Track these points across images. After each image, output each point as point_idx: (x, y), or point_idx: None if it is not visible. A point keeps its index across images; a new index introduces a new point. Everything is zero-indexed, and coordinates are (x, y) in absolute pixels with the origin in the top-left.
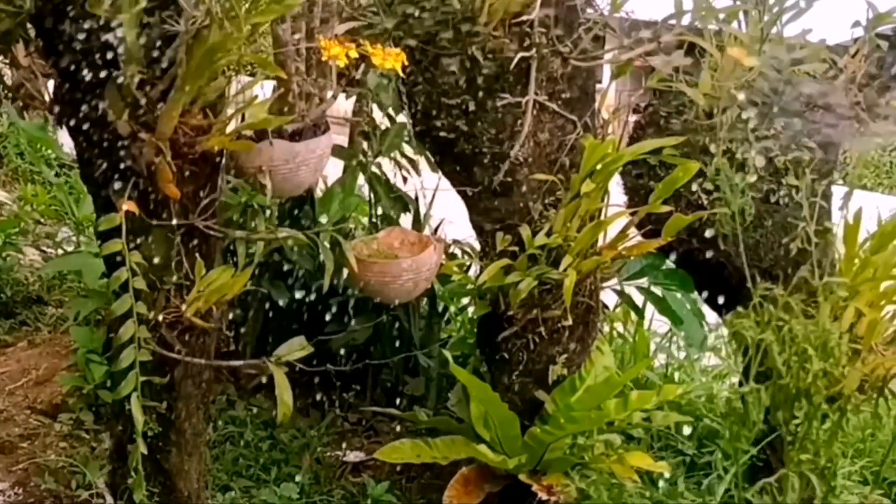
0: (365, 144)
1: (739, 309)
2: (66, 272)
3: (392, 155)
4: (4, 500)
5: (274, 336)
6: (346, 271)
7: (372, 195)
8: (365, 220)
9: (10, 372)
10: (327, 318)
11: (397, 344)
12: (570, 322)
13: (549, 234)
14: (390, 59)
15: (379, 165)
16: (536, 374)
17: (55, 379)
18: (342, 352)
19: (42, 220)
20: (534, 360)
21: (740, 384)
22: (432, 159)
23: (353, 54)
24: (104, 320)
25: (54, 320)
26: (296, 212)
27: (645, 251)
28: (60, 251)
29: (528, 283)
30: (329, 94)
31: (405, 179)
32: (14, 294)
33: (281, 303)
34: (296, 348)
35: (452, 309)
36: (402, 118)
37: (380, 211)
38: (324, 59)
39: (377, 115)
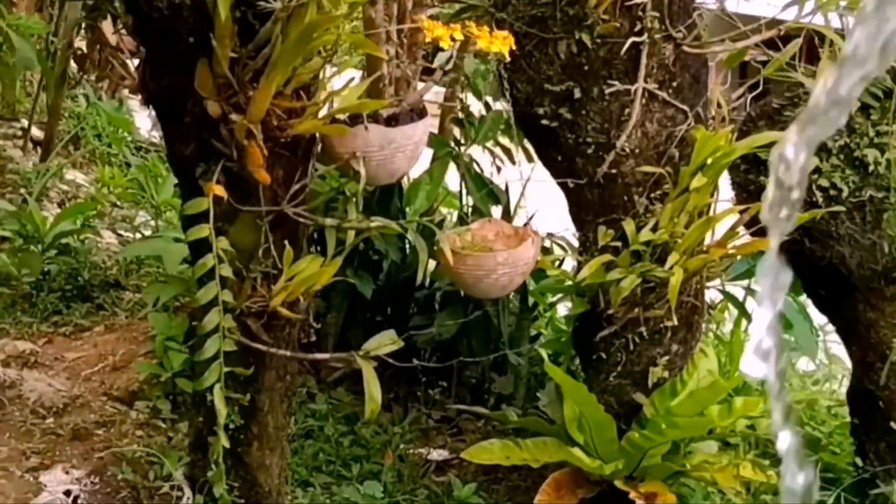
0: (457, 132)
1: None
2: (145, 256)
3: (486, 144)
4: (81, 488)
5: (357, 328)
6: (432, 263)
7: (462, 185)
8: (446, 210)
9: (87, 357)
10: (413, 311)
11: (485, 340)
12: (673, 322)
13: (654, 230)
14: (497, 42)
15: (470, 155)
16: (635, 375)
17: (132, 365)
18: (427, 346)
19: (118, 203)
20: (633, 361)
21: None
22: (530, 149)
23: (458, 36)
24: (183, 307)
25: (132, 305)
26: (380, 201)
27: (755, 250)
28: (138, 235)
29: (632, 280)
30: (416, 80)
31: (499, 169)
32: (92, 277)
33: (366, 294)
34: (385, 342)
35: (541, 305)
36: (498, 105)
37: (470, 202)
38: (427, 40)
39: (471, 101)
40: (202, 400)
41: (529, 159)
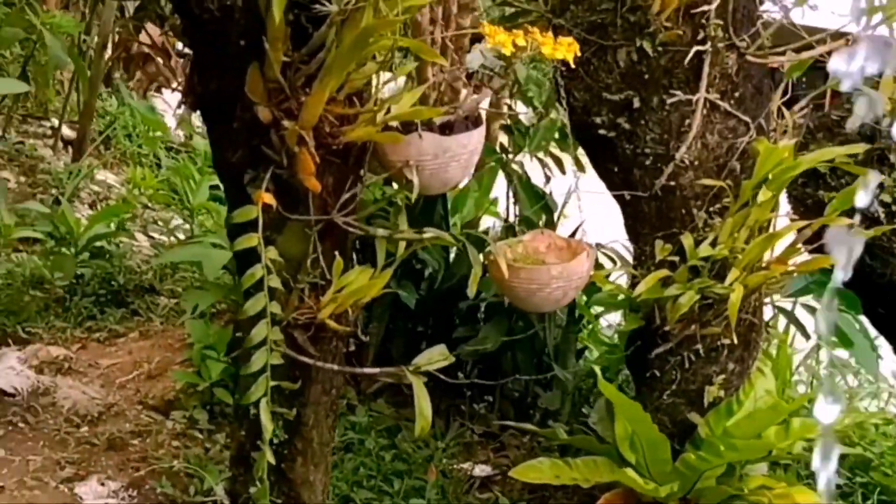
0: (505, 139)
1: None
2: (180, 261)
3: (536, 152)
4: (119, 502)
5: (398, 338)
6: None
7: (510, 194)
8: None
9: (122, 364)
10: (456, 322)
11: (530, 353)
12: (731, 340)
13: (714, 245)
14: (561, 48)
15: (521, 164)
16: (690, 394)
17: (168, 373)
18: (470, 359)
19: (150, 205)
20: (688, 379)
21: None
22: (582, 158)
23: (521, 42)
24: (219, 313)
25: (167, 311)
26: (424, 209)
27: (817, 268)
28: (171, 238)
29: (690, 297)
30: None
31: (548, 179)
32: (126, 282)
33: (410, 304)
34: (436, 358)
35: (586, 317)
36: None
37: (515, 211)
38: (489, 45)
39: (520, 108)
40: (245, 413)
41: (580, 169)
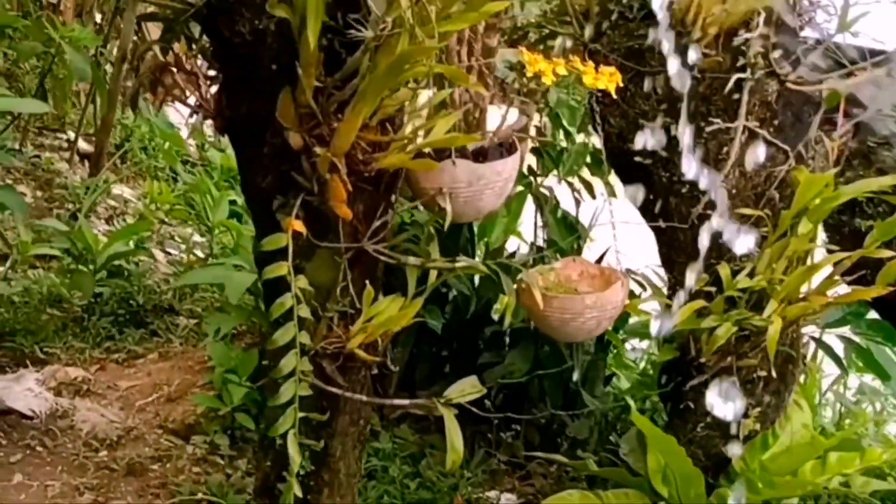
0: (534, 162)
1: None
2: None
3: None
4: None
5: (423, 363)
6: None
7: (538, 218)
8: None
9: (141, 386)
10: (481, 347)
11: (557, 380)
12: (769, 373)
13: (751, 275)
14: (603, 78)
15: (551, 188)
16: (725, 427)
17: (188, 396)
18: (496, 385)
19: (166, 220)
20: None
21: None
22: (613, 183)
23: (562, 71)
24: (240, 335)
25: (187, 332)
26: (450, 232)
27: (857, 299)
28: (191, 256)
29: (727, 329)
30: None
31: (578, 203)
32: (146, 302)
33: (436, 329)
34: (468, 389)
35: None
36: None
37: (543, 235)
38: (528, 74)
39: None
40: (270, 443)
41: (612, 194)
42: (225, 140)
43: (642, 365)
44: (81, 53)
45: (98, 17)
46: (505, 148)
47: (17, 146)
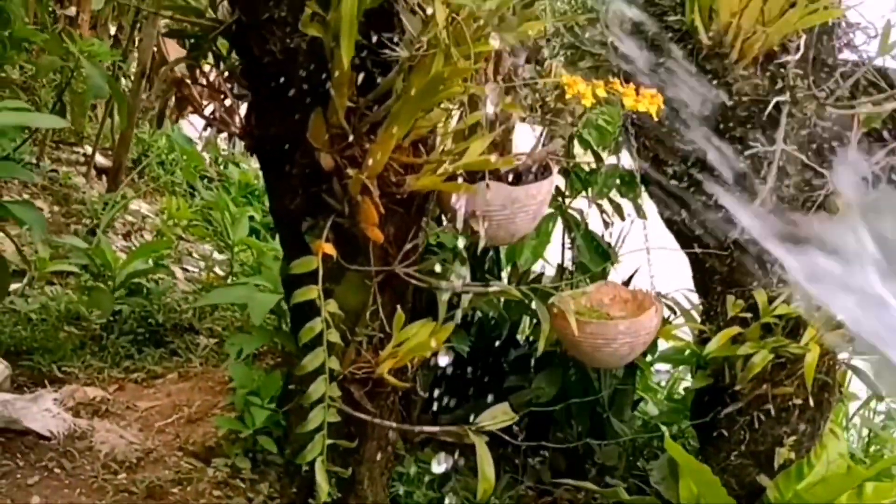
0: (563, 184)
1: None
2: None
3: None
4: None
5: (446, 387)
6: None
7: (565, 240)
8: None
9: (161, 407)
10: (506, 370)
11: (585, 404)
12: (802, 400)
13: (788, 302)
14: (645, 100)
15: (581, 210)
16: (759, 456)
17: (209, 418)
18: (522, 409)
19: (184, 236)
20: (757, 440)
21: None
22: (643, 204)
23: (602, 94)
24: (261, 355)
25: (207, 351)
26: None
27: None
28: (212, 273)
29: (764, 356)
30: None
31: (607, 225)
32: (165, 321)
33: (463, 352)
34: (499, 417)
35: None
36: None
37: (570, 257)
38: (567, 96)
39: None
40: (296, 469)
41: (642, 216)
42: (241, 154)
43: (670, 388)
44: (99, 68)
45: (113, 30)
46: (538, 170)
47: (34, 160)
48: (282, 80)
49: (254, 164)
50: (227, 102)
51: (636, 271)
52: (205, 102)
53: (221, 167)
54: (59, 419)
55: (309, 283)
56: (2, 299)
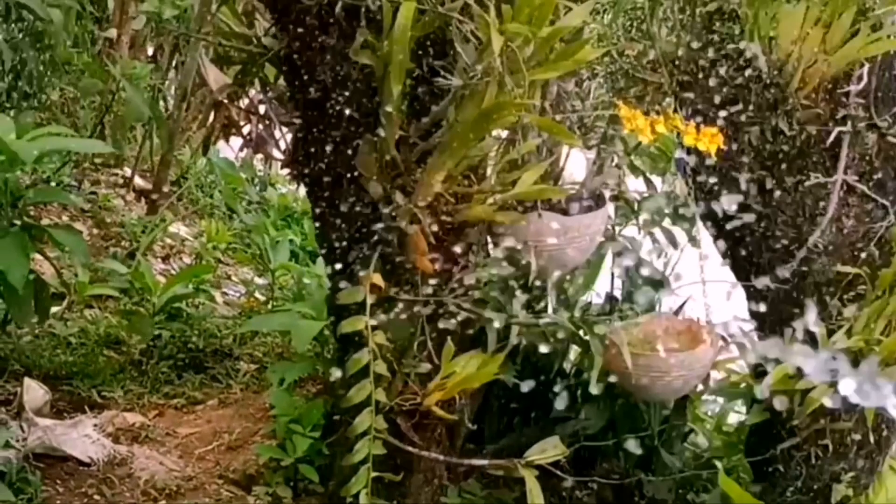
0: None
1: None
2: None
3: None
4: None
5: (490, 417)
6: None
7: (614, 269)
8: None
9: (201, 433)
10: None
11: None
12: (861, 436)
13: (849, 335)
14: (705, 139)
15: (634, 238)
16: (815, 492)
17: (249, 445)
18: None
19: (223, 259)
20: (814, 476)
21: None
22: (698, 234)
23: (662, 130)
24: (302, 381)
25: (247, 377)
26: None
27: None
28: (252, 299)
29: (823, 390)
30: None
31: (659, 254)
32: (205, 346)
33: (509, 382)
34: (550, 450)
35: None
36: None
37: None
38: (626, 130)
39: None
40: (339, 502)
41: (695, 245)
42: (278, 176)
43: (719, 420)
44: (140, 90)
45: (150, 51)
46: (593, 200)
47: (74, 182)
48: (331, 107)
49: (292, 187)
50: (266, 125)
51: (686, 301)
52: (242, 123)
53: (259, 190)
54: (98, 445)
55: (356, 312)
56: (41, 323)
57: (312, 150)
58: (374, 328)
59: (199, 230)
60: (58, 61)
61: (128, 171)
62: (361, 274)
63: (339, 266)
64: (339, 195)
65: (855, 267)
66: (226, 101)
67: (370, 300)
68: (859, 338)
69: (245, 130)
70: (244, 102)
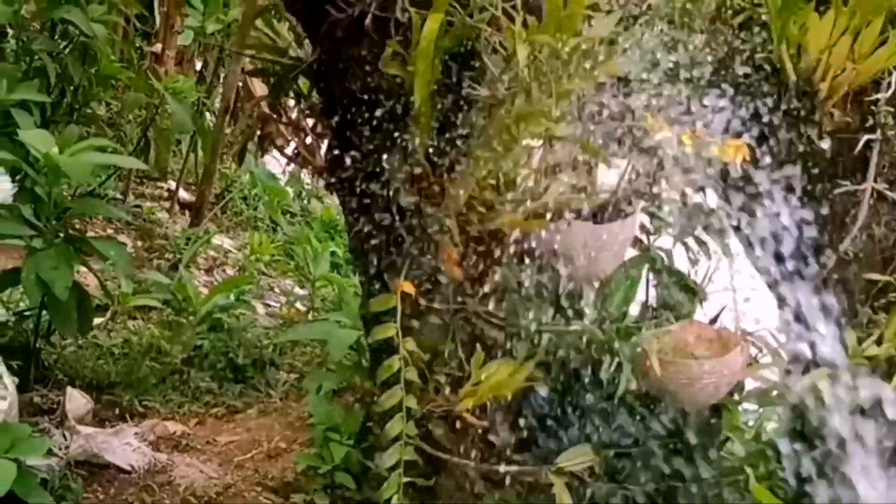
0: (647, 221)
1: None
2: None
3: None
4: None
5: (525, 424)
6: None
7: (649, 278)
8: None
9: (240, 442)
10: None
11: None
12: (893, 443)
13: (879, 343)
14: (731, 149)
15: (669, 249)
16: None
17: (287, 453)
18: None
19: (265, 271)
20: None
21: None
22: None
23: (687, 141)
24: (340, 391)
25: (286, 387)
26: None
27: None
28: (293, 309)
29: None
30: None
31: (693, 263)
32: (246, 356)
33: (542, 391)
34: (580, 457)
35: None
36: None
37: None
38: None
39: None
40: None
41: (727, 254)
42: (323, 189)
43: (757, 428)
44: (184, 104)
45: (198, 66)
46: (623, 209)
47: (118, 195)
48: (361, 118)
49: (336, 199)
50: (308, 139)
51: (722, 310)
52: (288, 137)
53: (304, 202)
54: (139, 453)
55: (388, 320)
56: (85, 334)
57: (344, 160)
58: (405, 335)
59: (243, 242)
60: (102, 76)
61: (172, 184)
62: (392, 282)
63: (370, 274)
64: (370, 204)
65: (885, 274)
66: (272, 116)
67: (401, 308)
68: (890, 345)
69: (292, 146)
70: (289, 115)
